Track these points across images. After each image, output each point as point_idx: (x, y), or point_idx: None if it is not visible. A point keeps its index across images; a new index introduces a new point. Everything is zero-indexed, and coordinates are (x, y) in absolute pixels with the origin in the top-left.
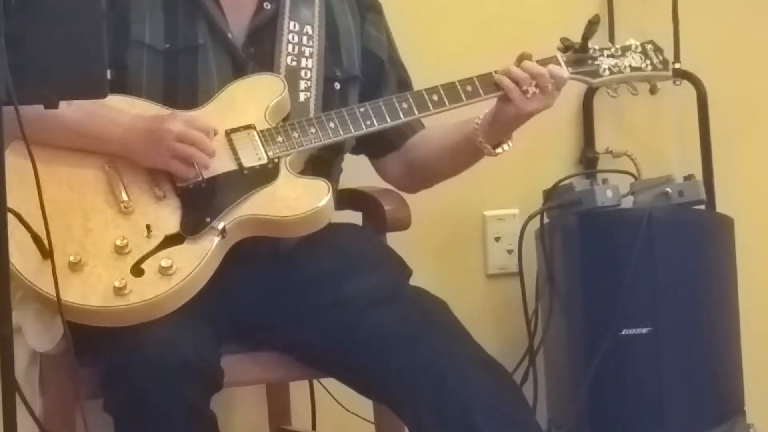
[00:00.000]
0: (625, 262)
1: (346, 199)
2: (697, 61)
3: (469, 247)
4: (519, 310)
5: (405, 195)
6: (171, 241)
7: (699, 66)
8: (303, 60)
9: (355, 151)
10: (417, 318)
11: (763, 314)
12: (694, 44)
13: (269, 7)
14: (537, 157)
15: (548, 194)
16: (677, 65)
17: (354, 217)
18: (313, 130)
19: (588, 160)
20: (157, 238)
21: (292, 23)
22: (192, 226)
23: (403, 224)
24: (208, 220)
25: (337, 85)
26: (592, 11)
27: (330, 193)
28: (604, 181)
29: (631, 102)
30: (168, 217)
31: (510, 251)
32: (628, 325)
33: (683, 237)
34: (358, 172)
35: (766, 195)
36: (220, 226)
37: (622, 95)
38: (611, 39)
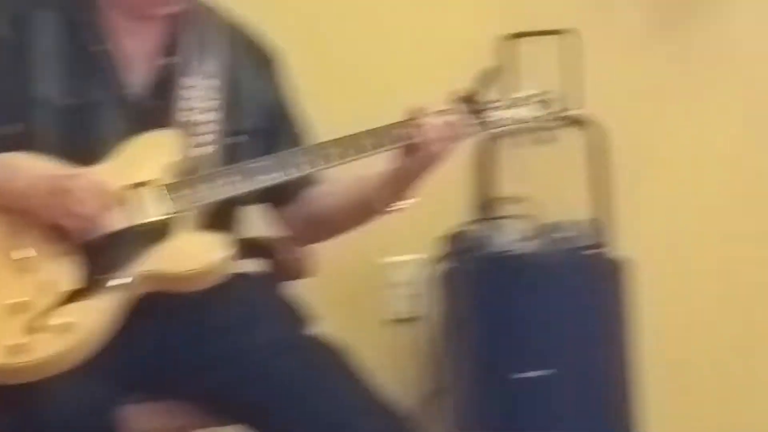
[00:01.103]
0: (523, 306)
1: (248, 248)
2: (597, 106)
3: (370, 294)
4: (422, 358)
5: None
6: (70, 297)
7: (601, 110)
8: (204, 114)
9: (255, 201)
10: (319, 367)
11: (664, 360)
12: (594, 89)
13: (170, 60)
14: (437, 203)
15: (449, 239)
16: (576, 110)
17: (257, 266)
18: (212, 184)
19: (488, 204)
20: (56, 295)
21: (194, 77)
22: (92, 282)
23: (304, 273)
24: (108, 276)
25: (238, 139)
26: (490, 60)
27: (229, 247)
28: (504, 225)
29: (530, 147)
30: (67, 273)
31: (411, 297)
32: (531, 368)
33: (581, 281)
34: (259, 220)
35: (666, 237)
36: (121, 281)
37: (519, 139)
38: (509, 88)
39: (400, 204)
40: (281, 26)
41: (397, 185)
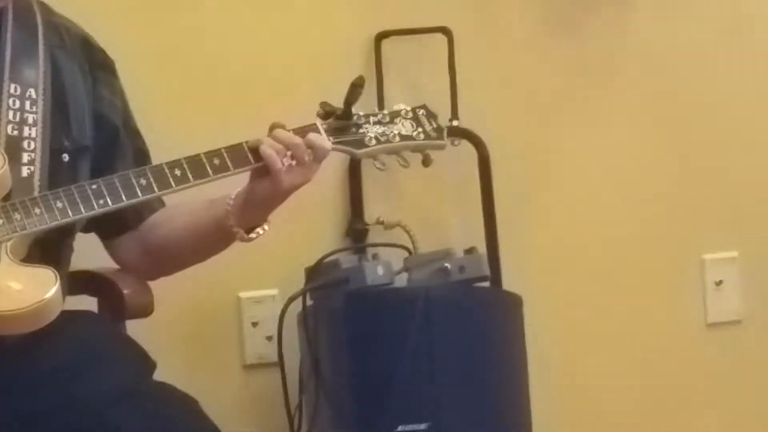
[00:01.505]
0: (399, 348)
1: (79, 282)
2: (477, 118)
3: (223, 333)
4: (280, 405)
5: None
6: None
7: (479, 124)
8: (26, 129)
9: (86, 229)
10: (161, 419)
11: (556, 403)
12: (474, 99)
13: None
14: (298, 230)
15: (311, 272)
16: (455, 122)
17: (89, 303)
18: (37, 210)
19: (356, 233)
20: None
21: (12, 86)
22: None
23: (145, 310)
24: None
25: (66, 157)
26: (358, 71)
27: (57, 283)
28: (375, 256)
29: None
30: None
31: (269, 338)
32: (404, 421)
33: (465, 319)
34: (92, 250)
35: (558, 269)
36: None
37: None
38: (380, 102)
39: (258, 229)
40: (118, 26)
41: (253, 209)
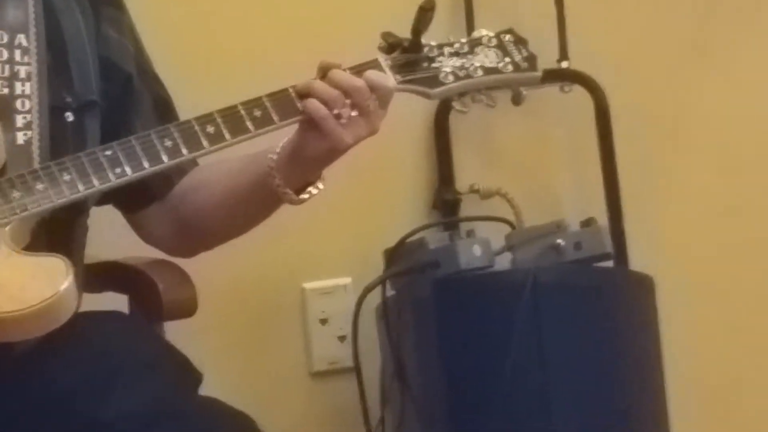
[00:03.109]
0: (502, 344)
1: (103, 276)
2: (591, 60)
3: (284, 334)
4: (358, 419)
5: (184, 264)
6: None
7: (594, 67)
8: (17, 85)
9: (102, 201)
10: None
11: (693, 403)
12: (587, 36)
13: None
14: (373, 204)
15: (391, 255)
16: (565, 64)
17: (116, 301)
18: (40, 186)
19: (446, 205)
20: None
21: None
22: None
23: (186, 308)
24: None
25: (69, 116)
26: None
27: (71, 274)
28: (469, 233)
29: (503, 120)
30: None
31: (342, 338)
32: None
33: (583, 306)
34: (114, 232)
35: (695, 244)
36: None
37: (486, 110)
38: (469, 32)
39: (311, 189)
40: None
41: (303, 165)
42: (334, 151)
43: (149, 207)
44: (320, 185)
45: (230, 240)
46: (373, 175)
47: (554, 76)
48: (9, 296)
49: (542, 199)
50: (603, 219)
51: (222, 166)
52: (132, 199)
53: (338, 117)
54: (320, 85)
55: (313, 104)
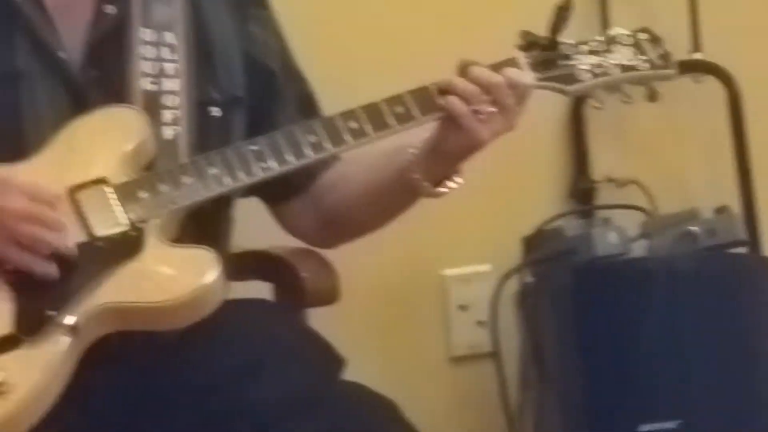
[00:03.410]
0: (639, 331)
1: (247, 265)
2: (724, 50)
3: (424, 320)
4: (497, 404)
5: (328, 253)
6: (3, 345)
7: (728, 57)
8: (165, 81)
9: (246, 194)
10: (353, 429)
11: None
12: (721, 26)
13: (113, 11)
14: (511, 193)
15: (530, 243)
16: (698, 55)
17: (261, 289)
18: (188, 180)
19: (582, 193)
20: None
21: (145, 31)
22: (30, 324)
23: (330, 296)
24: (51, 313)
25: (216, 112)
26: None
27: (218, 265)
28: (606, 221)
29: (636, 111)
30: None
31: (481, 323)
32: (648, 419)
33: (718, 293)
34: (259, 222)
35: None
36: (69, 321)
37: (621, 104)
38: (604, 29)
39: (449, 182)
40: None
41: (443, 159)
42: (473, 147)
43: (292, 199)
44: (458, 179)
45: (371, 232)
46: (512, 164)
47: (687, 67)
48: (159, 287)
49: (676, 187)
50: (736, 206)
51: (362, 160)
52: (276, 192)
53: (477, 113)
54: (460, 81)
55: (453, 101)
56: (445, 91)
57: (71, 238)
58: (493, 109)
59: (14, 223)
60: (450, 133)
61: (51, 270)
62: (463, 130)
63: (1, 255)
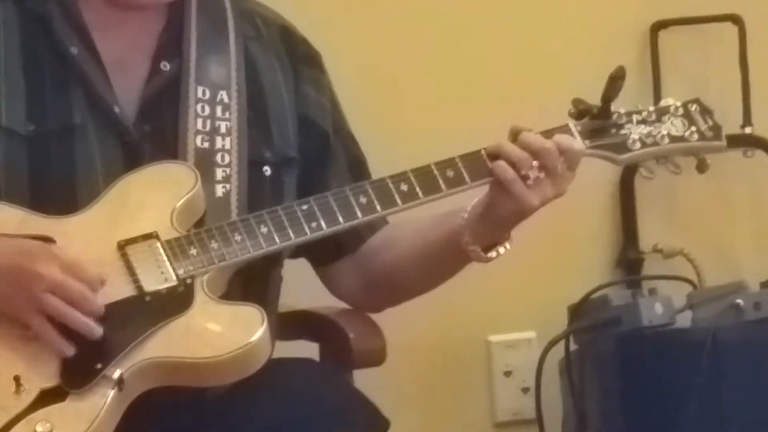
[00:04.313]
0: (683, 401)
1: (295, 324)
2: None
3: (469, 384)
4: None
5: (374, 316)
6: (49, 397)
7: None
8: (218, 139)
9: (295, 255)
10: None
11: None
12: None
13: (168, 67)
14: (558, 261)
15: (575, 311)
16: (748, 129)
17: (307, 349)
18: (238, 237)
19: (629, 263)
20: (30, 394)
21: (200, 89)
22: (77, 377)
23: (376, 357)
24: (98, 366)
25: (267, 171)
26: (629, 68)
27: (265, 323)
28: (652, 291)
29: (686, 182)
30: (44, 365)
31: (525, 390)
32: None
33: (763, 366)
34: (307, 281)
35: None
36: (116, 374)
37: (670, 174)
38: (656, 99)
39: (499, 248)
40: (323, 16)
41: (492, 224)
42: (522, 212)
43: (339, 261)
44: (507, 245)
45: (417, 296)
46: (560, 232)
47: (738, 141)
48: (206, 343)
49: (723, 260)
50: None
51: (411, 224)
52: (324, 253)
53: (525, 178)
54: (510, 147)
55: (502, 167)
56: (495, 155)
57: (113, 291)
58: (542, 174)
59: (45, 294)
60: (500, 197)
61: (64, 347)
62: (512, 196)
63: (23, 319)
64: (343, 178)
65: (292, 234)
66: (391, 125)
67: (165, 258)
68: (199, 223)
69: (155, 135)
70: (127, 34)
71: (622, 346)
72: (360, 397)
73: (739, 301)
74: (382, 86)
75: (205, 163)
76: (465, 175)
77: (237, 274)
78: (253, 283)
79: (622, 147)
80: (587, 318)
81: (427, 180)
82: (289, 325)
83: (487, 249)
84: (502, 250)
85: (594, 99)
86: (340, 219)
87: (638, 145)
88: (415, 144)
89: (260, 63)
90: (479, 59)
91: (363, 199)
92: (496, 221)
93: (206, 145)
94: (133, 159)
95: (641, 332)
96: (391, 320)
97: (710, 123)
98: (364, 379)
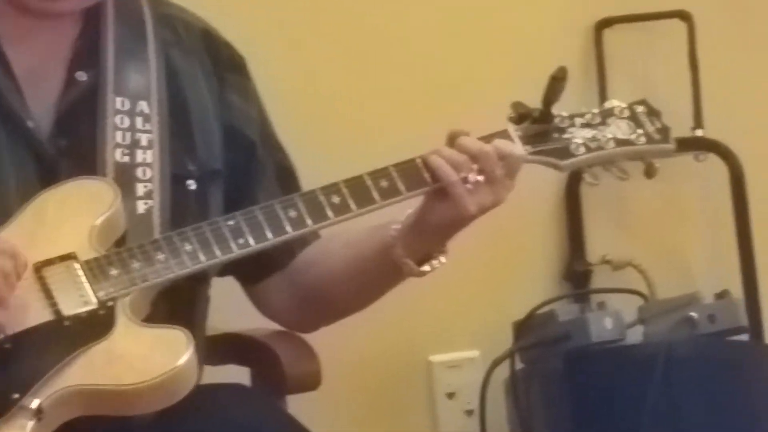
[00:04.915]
0: (635, 420)
1: (224, 348)
2: (726, 127)
3: (410, 408)
4: None
5: (308, 337)
6: None
7: (730, 134)
8: (139, 152)
9: (222, 272)
10: None
11: None
12: (722, 102)
13: (84, 78)
14: (502, 275)
15: (521, 328)
16: (699, 132)
17: (238, 374)
18: (161, 256)
19: (577, 276)
20: None
21: (118, 100)
22: None
23: (311, 382)
24: (15, 396)
25: (192, 184)
26: (570, 68)
27: (192, 347)
28: (600, 305)
29: (634, 189)
30: None
31: (469, 412)
32: None
33: (718, 382)
34: (236, 303)
35: None
36: (34, 404)
37: (618, 180)
38: (601, 101)
39: (434, 261)
40: (255, 20)
41: (427, 235)
42: (458, 221)
43: (269, 278)
44: (443, 258)
45: (352, 314)
46: (503, 244)
47: (688, 144)
48: (129, 368)
49: (675, 271)
50: (738, 291)
51: (343, 237)
52: (252, 270)
53: (464, 181)
54: (448, 151)
55: (444, 168)
56: (431, 163)
57: (30, 312)
58: (481, 178)
59: None
60: (436, 205)
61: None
62: (449, 200)
63: None
64: (272, 191)
65: (218, 252)
66: (321, 132)
67: (84, 280)
68: (120, 242)
69: (72, 150)
70: (40, 44)
71: (570, 364)
72: (294, 424)
73: (692, 314)
74: (312, 91)
75: (125, 178)
76: (400, 185)
77: (161, 295)
78: (178, 304)
79: (564, 152)
80: (533, 335)
81: (360, 191)
82: (218, 348)
83: (422, 262)
84: (436, 263)
85: (535, 102)
86: (269, 234)
87: (582, 149)
88: (347, 152)
89: (182, 70)
90: (414, 61)
91: (292, 213)
92: (430, 231)
93: (126, 159)
94: (49, 175)
95: (590, 349)
96: (326, 341)
97: (658, 125)
98: (298, 405)
